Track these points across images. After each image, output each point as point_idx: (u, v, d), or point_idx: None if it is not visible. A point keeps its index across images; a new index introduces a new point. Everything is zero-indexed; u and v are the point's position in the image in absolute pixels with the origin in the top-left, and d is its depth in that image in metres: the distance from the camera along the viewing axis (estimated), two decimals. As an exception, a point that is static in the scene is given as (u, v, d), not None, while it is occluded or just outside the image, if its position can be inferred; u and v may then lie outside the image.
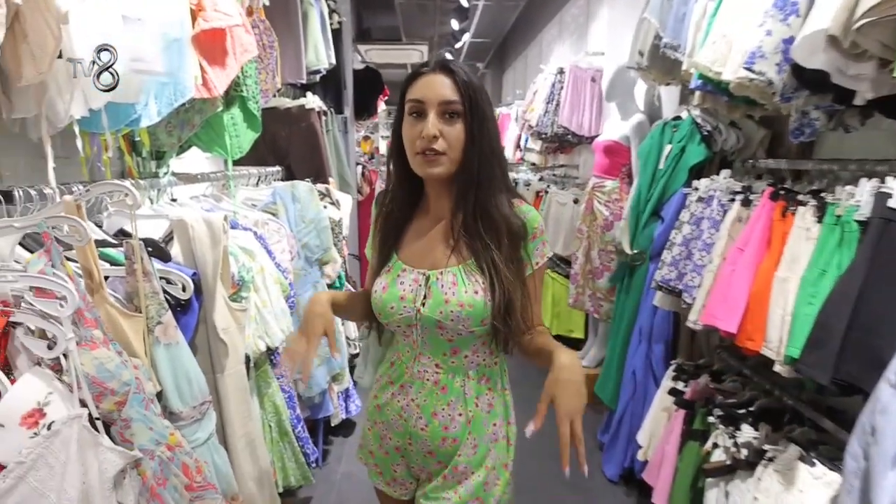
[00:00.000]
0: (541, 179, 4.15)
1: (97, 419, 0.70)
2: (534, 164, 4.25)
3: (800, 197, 1.32)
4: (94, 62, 0.75)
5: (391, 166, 0.97)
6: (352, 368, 2.28)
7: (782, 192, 1.36)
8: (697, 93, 1.68)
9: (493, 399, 0.97)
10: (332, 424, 2.22)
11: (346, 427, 2.48)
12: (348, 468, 2.25)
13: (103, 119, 0.95)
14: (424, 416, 0.93)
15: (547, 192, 3.63)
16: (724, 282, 1.41)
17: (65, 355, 0.68)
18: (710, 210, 1.62)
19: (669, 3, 1.78)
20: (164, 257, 0.92)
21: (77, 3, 0.77)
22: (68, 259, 0.85)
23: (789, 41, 1.18)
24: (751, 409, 1.63)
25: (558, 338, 3.55)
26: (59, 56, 0.77)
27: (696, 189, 1.73)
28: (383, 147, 7.11)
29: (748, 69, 1.22)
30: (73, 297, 0.66)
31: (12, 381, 0.66)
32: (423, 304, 0.89)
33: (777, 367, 1.29)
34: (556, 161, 4.14)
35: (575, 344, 3.53)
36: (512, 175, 5.01)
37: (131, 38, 0.87)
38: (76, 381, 0.67)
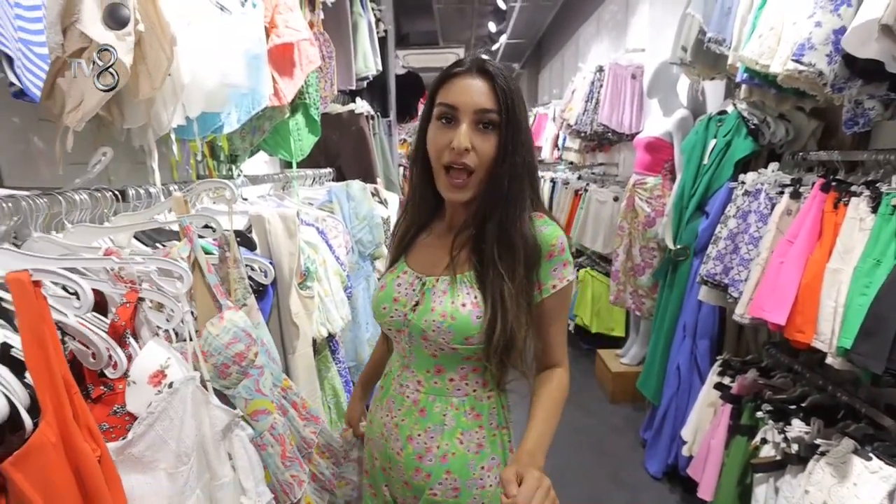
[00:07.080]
0: (579, 178, 4.15)
1: (207, 381, 0.82)
2: (572, 162, 4.25)
3: (853, 188, 1.30)
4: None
5: (413, 173, 0.89)
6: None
7: (833, 184, 1.35)
8: (744, 86, 1.68)
9: (484, 439, 0.84)
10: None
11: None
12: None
13: (195, 127, 1.09)
14: (401, 439, 0.85)
15: (586, 190, 3.63)
16: (773, 274, 1.41)
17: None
18: (758, 203, 1.62)
19: (714, -2, 1.79)
20: (251, 246, 1.05)
21: (183, 28, 0.89)
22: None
23: (840, 32, 1.19)
24: (802, 404, 1.61)
25: (598, 336, 3.58)
26: (168, 74, 0.90)
27: (743, 183, 1.72)
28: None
29: (797, 61, 1.23)
30: (188, 278, 0.78)
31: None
32: (413, 310, 0.83)
33: (829, 360, 1.28)
34: (594, 160, 4.12)
35: (615, 342, 3.51)
36: (550, 174, 5.02)
37: (223, 56, 1.00)
38: (192, 350, 0.79)
